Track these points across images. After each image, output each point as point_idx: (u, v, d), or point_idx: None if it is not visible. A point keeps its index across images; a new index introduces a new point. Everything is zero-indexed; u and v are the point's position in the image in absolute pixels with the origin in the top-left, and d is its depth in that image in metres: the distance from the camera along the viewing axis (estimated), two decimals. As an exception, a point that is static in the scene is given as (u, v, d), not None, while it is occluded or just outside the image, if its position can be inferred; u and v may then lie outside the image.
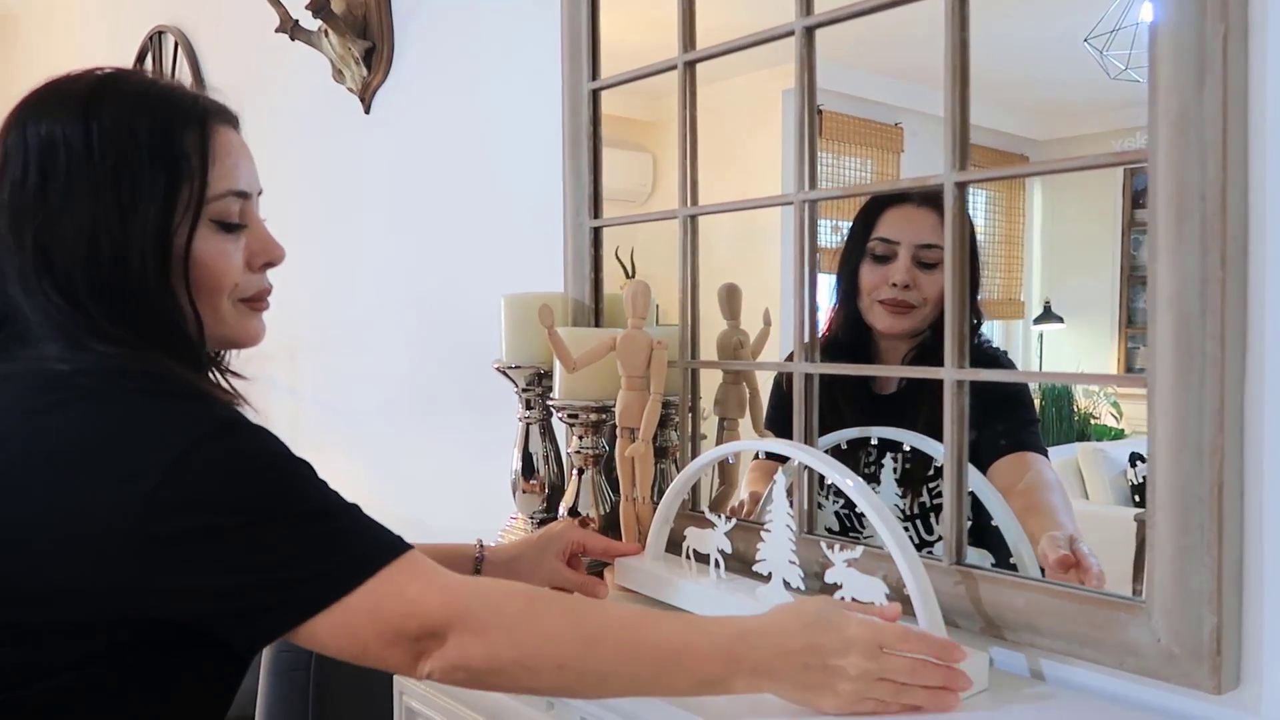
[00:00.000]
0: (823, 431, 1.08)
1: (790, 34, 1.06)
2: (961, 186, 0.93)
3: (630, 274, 1.37)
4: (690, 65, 1.19)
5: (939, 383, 0.94)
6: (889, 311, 1.05)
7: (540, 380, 1.29)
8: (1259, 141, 0.76)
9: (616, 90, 1.31)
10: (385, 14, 1.76)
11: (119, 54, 2.89)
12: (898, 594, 0.88)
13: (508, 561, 1.05)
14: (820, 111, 1.09)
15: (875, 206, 1.10)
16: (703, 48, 1.17)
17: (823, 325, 1.11)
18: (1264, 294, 0.76)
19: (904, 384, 1.11)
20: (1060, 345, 1.05)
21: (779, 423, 1.13)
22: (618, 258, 1.36)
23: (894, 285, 1.03)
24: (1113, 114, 0.91)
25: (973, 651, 0.84)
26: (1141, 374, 0.81)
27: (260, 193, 0.90)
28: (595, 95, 1.31)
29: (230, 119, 0.88)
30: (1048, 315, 1.05)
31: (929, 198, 0.95)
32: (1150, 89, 0.78)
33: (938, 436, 0.95)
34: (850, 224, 1.13)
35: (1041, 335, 1.05)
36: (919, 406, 1.03)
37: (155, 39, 2.69)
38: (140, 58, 2.77)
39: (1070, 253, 1.06)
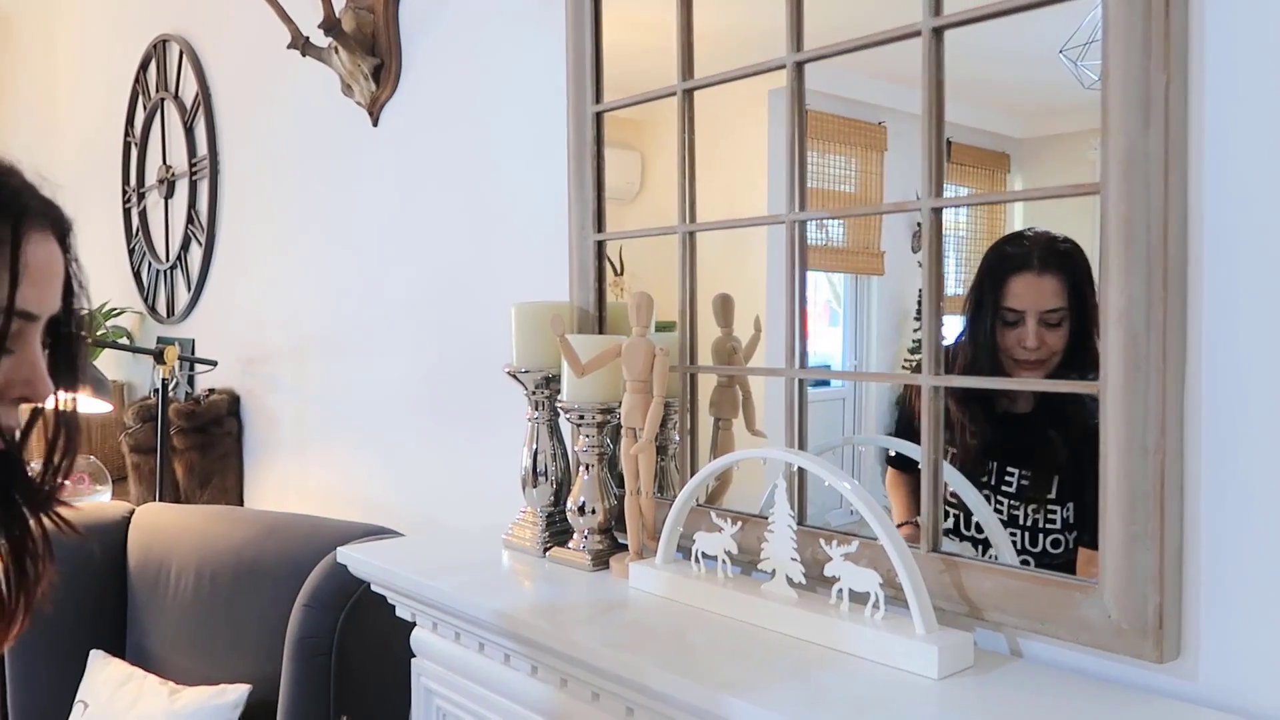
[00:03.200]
0: (952, 449, 1.11)
1: (782, 67, 1.16)
2: (937, 211, 1.03)
3: (619, 271, 1.46)
4: (689, 93, 1.28)
5: (1071, 403, 1.00)
6: (1023, 368, 1.12)
7: (548, 383, 1.38)
8: (1197, 178, 0.86)
9: (605, 89, 1.40)
10: (393, 32, 1.85)
11: (121, 60, 2.96)
12: (890, 582, 0.98)
13: None
14: (805, 111, 1.17)
15: (999, 274, 1.12)
16: (700, 76, 1.27)
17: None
18: (1201, 313, 0.86)
19: (1036, 404, 1.14)
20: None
21: (905, 435, 1.17)
22: (607, 256, 1.45)
23: (1025, 348, 1.10)
24: (1091, 114, 0.93)
25: (958, 633, 0.95)
26: (1095, 381, 0.91)
27: (52, 315, 0.79)
28: (599, 117, 1.41)
29: (54, 225, 0.78)
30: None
31: (1047, 262, 1.04)
32: (1102, 129, 0.88)
33: (1077, 455, 0.97)
34: (975, 281, 1.12)
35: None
36: (1053, 426, 1.09)
37: (160, 47, 2.76)
38: (144, 65, 2.84)
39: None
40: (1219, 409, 0.86)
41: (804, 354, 1.18)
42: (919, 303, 1.08)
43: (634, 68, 1.39)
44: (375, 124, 1.94)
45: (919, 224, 1.05)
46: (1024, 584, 0.96)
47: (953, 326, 1.10)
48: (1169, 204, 0.85)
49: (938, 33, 1.01)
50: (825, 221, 1.21)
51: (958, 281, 1.13)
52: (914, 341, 1.15)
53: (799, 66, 1.15)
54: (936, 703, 0.87)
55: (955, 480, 1.09)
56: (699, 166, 1.30)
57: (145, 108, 2.86)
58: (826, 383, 1.27)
